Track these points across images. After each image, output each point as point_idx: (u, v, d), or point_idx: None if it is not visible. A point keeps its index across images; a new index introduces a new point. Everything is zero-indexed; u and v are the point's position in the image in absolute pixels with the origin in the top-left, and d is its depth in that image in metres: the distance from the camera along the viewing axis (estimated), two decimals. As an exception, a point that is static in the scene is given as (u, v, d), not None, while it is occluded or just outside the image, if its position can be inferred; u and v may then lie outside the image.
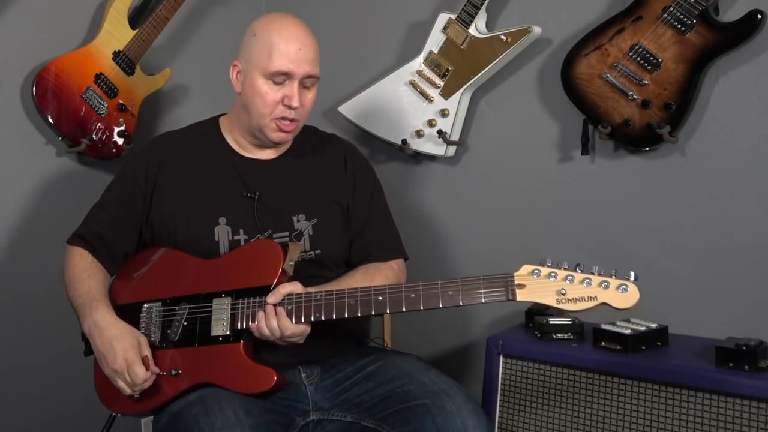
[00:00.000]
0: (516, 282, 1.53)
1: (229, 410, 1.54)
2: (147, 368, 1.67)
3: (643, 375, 1.89)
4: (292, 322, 1.63)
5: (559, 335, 2.07)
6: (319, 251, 1.82)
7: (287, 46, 1.77)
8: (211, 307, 1.71)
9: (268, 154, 1.90)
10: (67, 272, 1.85)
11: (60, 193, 2.37)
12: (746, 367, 1.80)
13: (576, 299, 1.49)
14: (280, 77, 1.77)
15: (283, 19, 1.83)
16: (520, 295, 1.52)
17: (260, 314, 1.65)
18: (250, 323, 1.66)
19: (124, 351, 1.67)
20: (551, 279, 1.50)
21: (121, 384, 1.68)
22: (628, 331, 1.96)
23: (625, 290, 1.48)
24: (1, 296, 2.28)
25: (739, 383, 1.77)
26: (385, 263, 1.89)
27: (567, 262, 1.52)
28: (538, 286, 1.51)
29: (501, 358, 2.11)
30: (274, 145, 1.87)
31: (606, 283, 1.48)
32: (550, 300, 1.50)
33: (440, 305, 1.57)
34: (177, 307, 1.75)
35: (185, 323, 1.73)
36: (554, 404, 2.03)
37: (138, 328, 1.75)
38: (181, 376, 1.70)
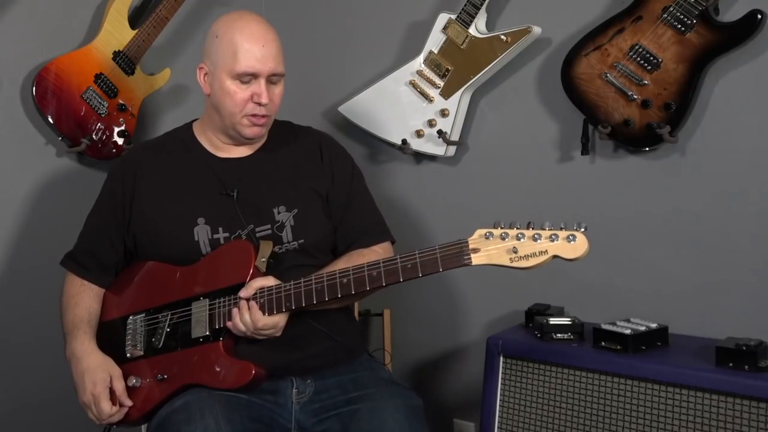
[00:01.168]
0: (470, 247, 1.54)
1: (210, 419, 1.58)
2: (115, 403, 1.73)
3: (643, 375, 1.89)
4: (264, 314, 1.66)
5: (559, 335, 2.07)
6: (302, 241, 1.83)
7: (251, 45, 1.78)
8: (190, 310, 1.76)
9: (242, 152, 1.91)
10: (61, 299, 1.93)
11: (60, 193, 2.37)
12: (746, 367, 1.80)
13: (528, 256, 1.50)
14: (246, 77, 1.79)
15: (243, 17, 1.83)
16: (475, 260, 1.53)
17: (234, 310, 1.69)
18: (227, 321, 1.70)
19: (93, 385, 1.73)
20: (503, 240, 1.51)
21: (91, 416, 1.76)
22: (628, 331, 1.96)
23: (573, 240, 1.48)
24: (1, 296, 2.28)
25: (739, 383, 1.77)
26: (369, 248, 1.89)
27: (519, 222, 1.53)
28: (491, 248, 1.52)
29: (501, 358, 2.11)
30: (249, 141, 1.88)
31: (554, 236, 1.48)
32: (504, 260, 1.51)
33: (401, 279, 1.59)
34: (159, 316, 1.80)
35: (168, 330, 1.78)
36: (554, 404, 2.03)
37: (124, 340, 1.82)
38: (166, 380, 1.74)
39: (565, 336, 2.07)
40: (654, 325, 2.03)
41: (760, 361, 1.79)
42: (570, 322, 2.08)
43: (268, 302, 1.67)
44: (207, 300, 1.74)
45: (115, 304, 1.90)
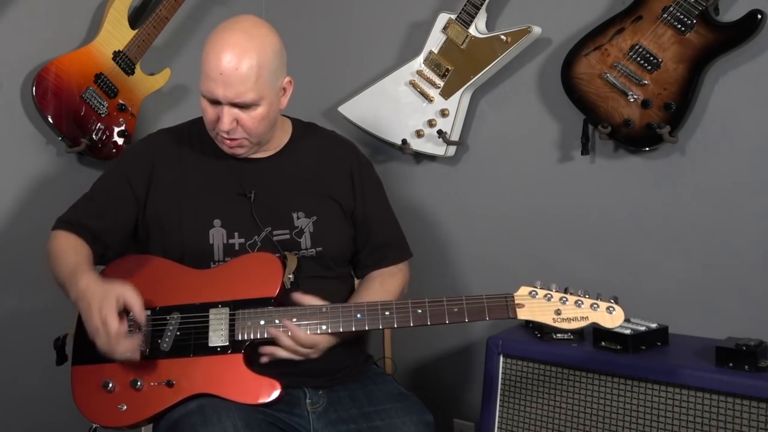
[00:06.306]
0: (516, 302, 1.66)
1: (228, 422, 1.54)
2: (122, 318, 1.59)
3: (643, 375, 1.89)
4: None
5: (559, 335, 2.07)
6: (320, 249, 1.81)
7: (212, 68, 1.66)
8: (207, 317, 1.69)
9: (261, 153, 1.86)
10: (51, 251, 1.79)
11: (60, 193, 2.36)
12: (746, 367, 1.80)
13: (570, 319, 1.66)
14: (210, 99, 1.70)
15: (225, 29, 1.70)
16: (521, 314, 1.67)
17: (272, 329, 1.65)
18: (266, 349, 1.67)
19: (99, 307, 1.57)
20: (547, 300, 1.66)
21: (101, 343, 1.59)
22: (628, 331, 1.96)
23: (612, 311, 1.65)
24: (1, 296, 2.28)
25: (739, 383, 1.77)
26: (397, 267, 1.92)
27: (555, 285, 1.68)
28: (536, 306, 1.66)
29: (501, 358, 2.11)
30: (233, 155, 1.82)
31: (596, 305, 1.65)
32: (547, 319, 1.66)
33: (446, 321, 1.66)
34: (168, 317, 1.72)
35: (178, 333, 1.70)
36: (554, 404, 2.03)
37: None
38: (176, 386, 1.67)
39: (565, 336, 2.07)
40: (654, 325, 2.03)
41: (760, 361, 1.79)
42: (570, 322, 2.09)
43: (310, 322, 1.66)
44: (227, 309, 1.68)
45: None
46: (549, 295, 1.65)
